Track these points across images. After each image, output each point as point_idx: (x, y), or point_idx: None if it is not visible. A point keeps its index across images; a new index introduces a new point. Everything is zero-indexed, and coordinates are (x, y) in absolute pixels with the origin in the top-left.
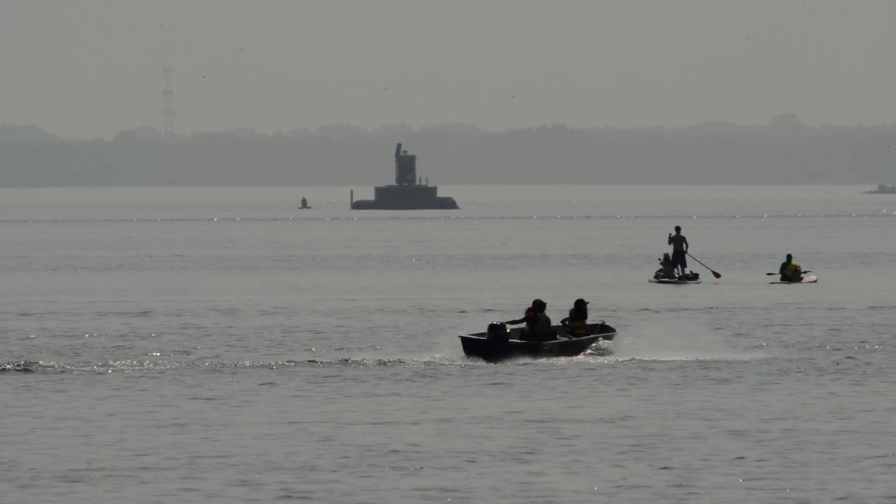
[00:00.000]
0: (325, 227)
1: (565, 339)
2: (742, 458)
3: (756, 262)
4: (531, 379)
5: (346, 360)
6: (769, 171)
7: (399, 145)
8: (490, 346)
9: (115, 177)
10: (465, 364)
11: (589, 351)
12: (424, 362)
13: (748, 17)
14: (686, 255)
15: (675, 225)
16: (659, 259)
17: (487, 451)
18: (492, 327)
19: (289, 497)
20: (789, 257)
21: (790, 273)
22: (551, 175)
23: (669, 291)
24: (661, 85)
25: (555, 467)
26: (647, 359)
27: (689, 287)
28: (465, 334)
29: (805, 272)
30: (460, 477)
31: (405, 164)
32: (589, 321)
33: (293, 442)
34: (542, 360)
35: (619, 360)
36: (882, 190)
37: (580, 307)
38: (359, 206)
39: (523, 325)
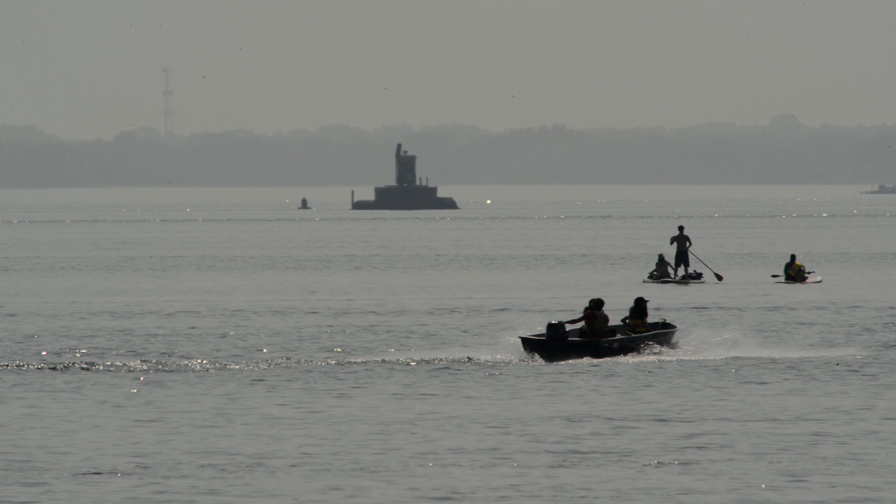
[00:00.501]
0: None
1: (624, 337)
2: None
3: (755, 262)
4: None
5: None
6: (769, 171)
7: (399, 145)
8: (549, 345)
9: (114, 177)
10: (526, 363)
11: (648, 349)
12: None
13: (748, 17)
14: (689, 255)
15: (679, 224)
16: (654, 272)
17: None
18: (551, 326)
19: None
20: (793, 257)
21: (794, 273)
22: (551, 175)
23: (665, 291)
24: (661, 85)
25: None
26: (709, 357)
27: (685, 287)
28: (525, 334)
29: (809, 272)
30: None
31: (405, 165)
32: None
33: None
34: (601, 359)
35: (682, 357)
36: (882, 190)
37: (640, 305)
38: (359, 206)
39: (581, 324)
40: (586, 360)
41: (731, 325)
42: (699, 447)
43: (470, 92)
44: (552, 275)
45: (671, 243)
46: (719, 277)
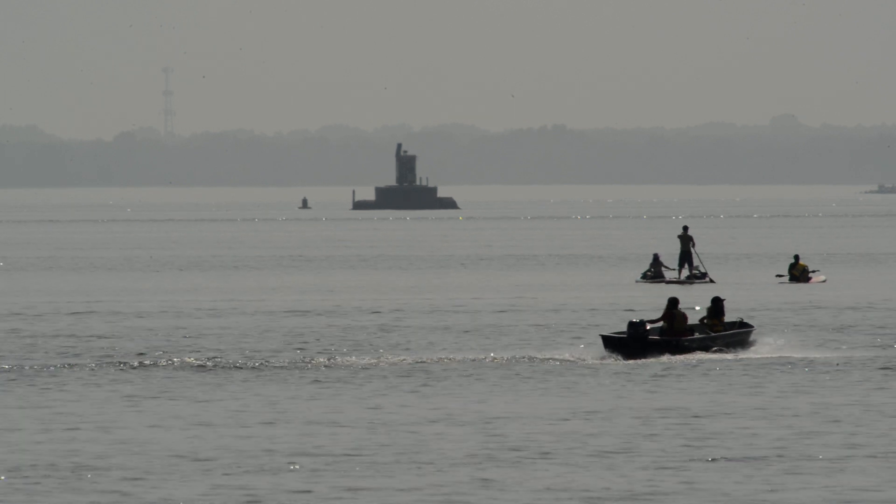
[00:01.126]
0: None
1: (703, 335)
2: None
3: (756, 262)
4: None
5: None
6: (769, 171)
7: (399, 145)
8: (629, 343)
9: (114, 177)
10: (606, 361)
11: (727, 347)
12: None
13: (748, 17)
14: (693, 254)
15: (683, 224)
16: (646, 272)
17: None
18: (631, 325)
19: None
20: (797, 257)
21: (798, 273)
22: (551, 175)
23: (660, 291)
24: (661, 85)
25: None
26: (787, 355)
27: (688, 287)
28: (605, 332)
29: (813, 272)
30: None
31: (405, 165)
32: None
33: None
34: (681, 357)
35: (760, 355)
36: (882, 190)
37: (717, 305)
38: (359, 206)
39: (661, 322)
40: (665, 358)
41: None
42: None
43: (470, 92)
44: (550, 275)
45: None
46: (711, 280)
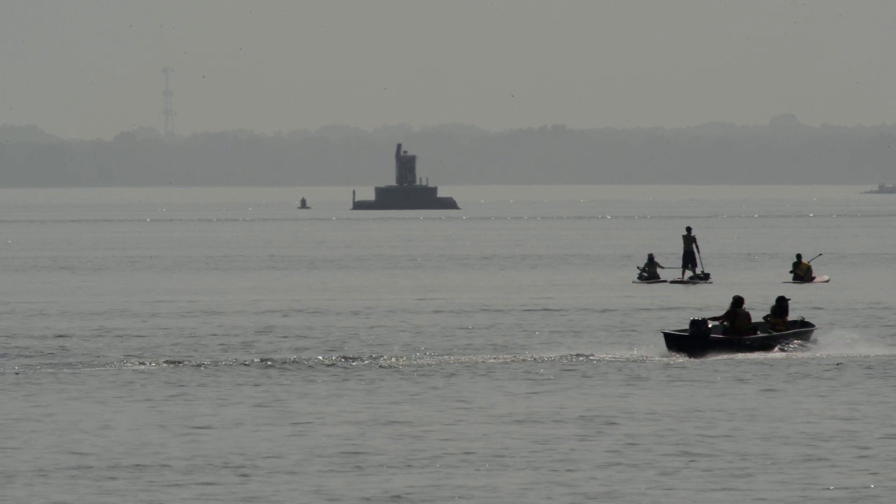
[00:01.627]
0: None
1: (765, 334)
2: None
3: (759, 262)
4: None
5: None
6: (769, 171)
7: (399, 145)
8: (691, 341)
9: (114, 177)
10: (668, 359)
11: (789, 346)
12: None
13: (748, 17)
14: (696, 255)
15: (686, 225)
16: (640, 267)
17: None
18: (693, 323)
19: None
20: (799, 257)
21: (802, 273)
22: (551, 175)
23: (655, 292)
24: (661, 85)
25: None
26: (850, 353)
27: (690, 287)
28: (667, 330)
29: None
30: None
31: (405, 165)
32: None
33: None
34: (743, 355)
35: (823, 354)
36: (882, 190)
37: (781, 304)
38: (359, 206)
39: (723, 321)
40: (727, 356)
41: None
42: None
43: (470, 92)
44: (548, 276)
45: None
46: (705, 277)
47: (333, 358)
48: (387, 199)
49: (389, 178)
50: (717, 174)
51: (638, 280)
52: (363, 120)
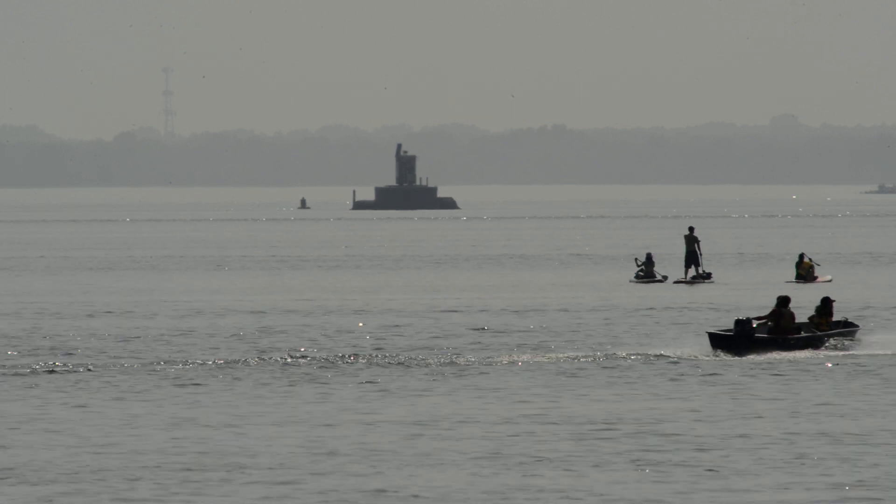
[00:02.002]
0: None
1: (809, 334)
2: None
3: (756, 262)
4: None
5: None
6: (769, 171)
7: (399, 145)
8: (736, 340)
9: (114, 177)
10: (713, 358)
11: (834, 345)
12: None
13: (748, 17)
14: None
15: (689, 225)
16: (638, 260)
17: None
18: (738, 322)
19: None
20: (801, 256)
21: (804, 272)
22: (551, 175)
23: (652, 292)
24: (661, 85)
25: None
26: (891, 352)
27: (682, 287)
28: (712, 329)
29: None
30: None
31: (405, 165)
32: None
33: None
34: (787, 354)
35: (867, 353)
36: (882, 190)
37: (826, 305)
38: (359, 206)
39: (768, 321)
40: (771, 355)
41: None
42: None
43: (470, 92)
44: (545, 276)
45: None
46: (706, 276)
47: (339, 357)
48: (387, 199)
49: (389, 178)
50: (717, 174)
51: (635, 280)
52: (363, 120)
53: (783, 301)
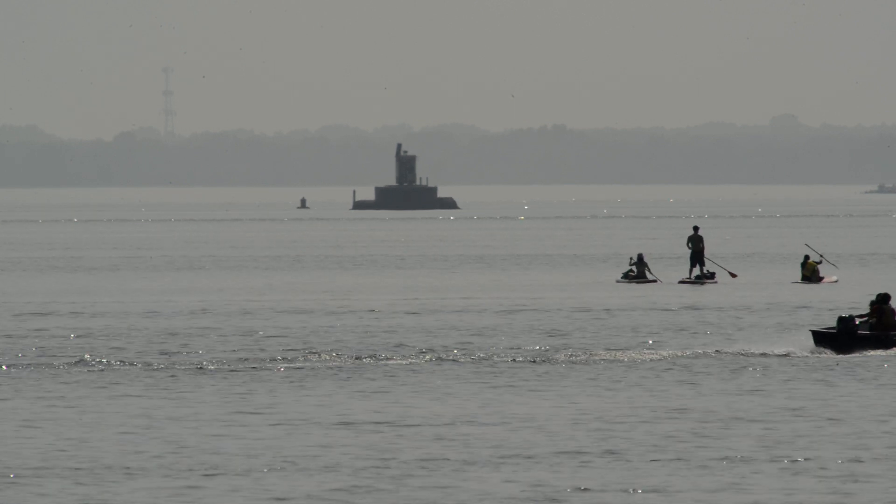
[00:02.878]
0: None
1: None
2: None
3: (757, 262)
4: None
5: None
6: (769, 171)
7: (399, 145)
8: (839, 337)
9: (114, 177)
10: (817, 355)
11: None
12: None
13: (748, 17)
14: (704, 256)
15: (694, 225)
16: (631, 259)
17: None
18: (841, 320)
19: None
20: (806, 257)
21: (809, 273)
22: (551, 175)
23: (643, 292)
24: (661, 85)
25: None
26: None
27: (686, 287)
28: (815, 327)
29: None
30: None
31: (405, 165)
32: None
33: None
34: (890, 351)
35: None
36: (882, 190)
37: None
38: (359, 206)
39: (870, 318)
40: (874, 352)
41: None
42: None
43: (470, 92)
44: (544, 275)
45: (687, 245)
46: (733, 275)
47: (343, 357)
48: (387, 198)
49: (389, 178)
50: (717, 174)
51: (623, 279)
52: (363, 120)
53: (884, 298)
